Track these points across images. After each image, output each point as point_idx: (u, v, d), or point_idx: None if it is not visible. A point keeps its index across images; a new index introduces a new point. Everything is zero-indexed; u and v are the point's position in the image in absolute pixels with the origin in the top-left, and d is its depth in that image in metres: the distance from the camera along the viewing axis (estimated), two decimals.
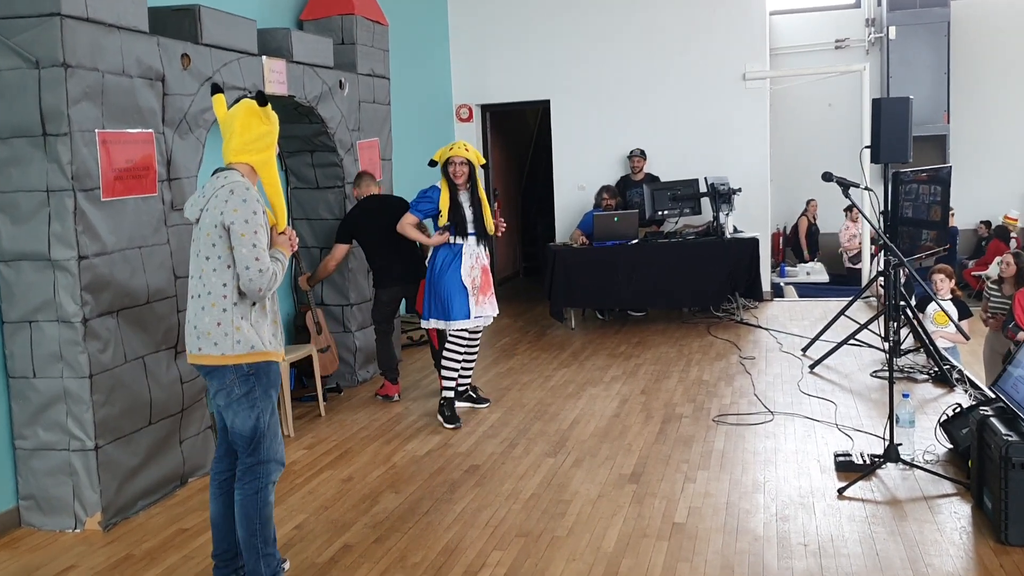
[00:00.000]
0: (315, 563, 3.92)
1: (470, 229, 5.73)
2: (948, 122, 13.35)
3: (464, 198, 5.73)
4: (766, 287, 9.64)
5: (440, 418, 5.82)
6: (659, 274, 8.45)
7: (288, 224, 3.73)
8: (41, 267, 4.24)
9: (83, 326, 4.24)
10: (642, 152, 9.50)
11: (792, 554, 3.79)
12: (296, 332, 6.47)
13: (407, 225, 5.84)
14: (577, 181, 10.03)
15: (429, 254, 5.87)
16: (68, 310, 4.23)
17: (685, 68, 9.65)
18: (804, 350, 7.26)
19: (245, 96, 5.46)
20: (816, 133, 13.70)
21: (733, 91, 9.54)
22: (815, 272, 12.32)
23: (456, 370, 5.86)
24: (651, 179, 9.44)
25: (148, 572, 3.90)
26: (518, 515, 4.32)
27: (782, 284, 11.94)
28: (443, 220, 5.69)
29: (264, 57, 5.62)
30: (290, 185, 6.74)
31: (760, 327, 8.38)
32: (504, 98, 10.30)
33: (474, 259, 5.75)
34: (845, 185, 4.59)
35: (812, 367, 6.76)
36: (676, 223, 8.98)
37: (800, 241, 13.94)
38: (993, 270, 8.19)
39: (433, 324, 5.81)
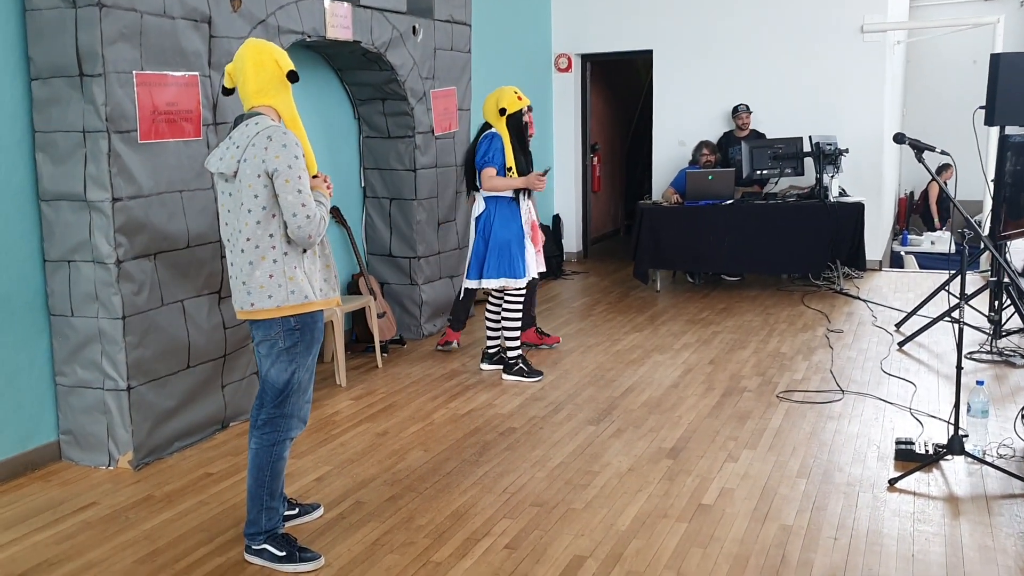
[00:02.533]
0: (321, 516, 3.86)
1: None
2: None
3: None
4: (875, 256, 9.00)
5: (521, 379, 5.67)
6: (753, 238, 7.96)
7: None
8: (78, 208, 4.28)
9: (117, 267, 4.27)
10: (747, 107, 8.96)
11: (817, 548, 3.47)
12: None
13: (493, 179, 5.43)
14: (678, 136, 9.57)
15: (480, 210, 5.64)
16: (102, 251, 4.27)
17: (798, 19, 8.99)
18: (898, 325, 6.72)
19: (304, 39, 5.39)
20: (958, 92, 12.60)
21: (849, 44, 8.83)
22: (941, 242, 11.46)
23: (520, 328, 5.73)
24: (756, 136, 8.92)
25: (161, 514, 3.93)
26: (539, 483, 4.13)
27: (902, 253, 11.20)
28: (513, 175, 5.44)
29: (327, 0, 5.50)
30: (362, 134, 6.66)
31: (859, 298, 7.83)
32: (605, 48, 9.88)
33: (527, 213, 5.60)
34: (919, 148, 4.12)
35: (901, 344, 6.24)
36: (776, 183, 8.46)
37: (930, 208, 13.03)
38: None
39: (494, 284, 5.60)
